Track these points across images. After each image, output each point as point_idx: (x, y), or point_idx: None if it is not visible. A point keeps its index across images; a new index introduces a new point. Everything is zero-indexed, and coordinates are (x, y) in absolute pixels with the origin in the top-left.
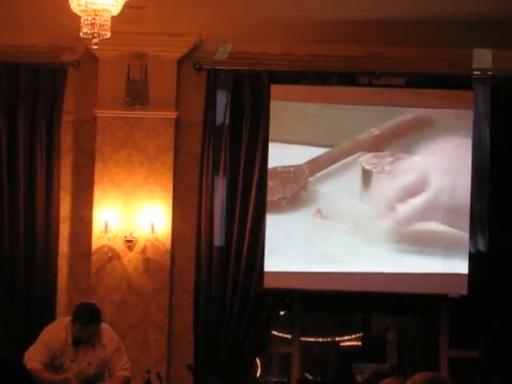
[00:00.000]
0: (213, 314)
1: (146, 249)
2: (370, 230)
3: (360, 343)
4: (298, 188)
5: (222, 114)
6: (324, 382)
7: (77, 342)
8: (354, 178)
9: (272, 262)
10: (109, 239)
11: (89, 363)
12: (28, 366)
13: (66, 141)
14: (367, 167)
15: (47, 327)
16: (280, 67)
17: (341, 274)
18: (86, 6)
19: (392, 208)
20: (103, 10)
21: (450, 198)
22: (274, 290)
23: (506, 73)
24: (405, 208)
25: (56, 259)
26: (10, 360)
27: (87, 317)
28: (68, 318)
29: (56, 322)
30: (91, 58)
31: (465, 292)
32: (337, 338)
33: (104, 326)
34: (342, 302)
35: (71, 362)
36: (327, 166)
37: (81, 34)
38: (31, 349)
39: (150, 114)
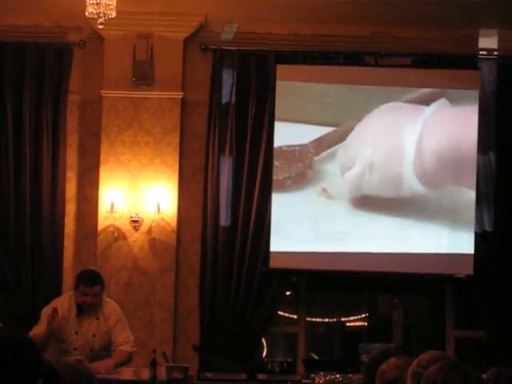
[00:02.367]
0: (219, 294)
1: (152, 229)
2: (375, 210)
3: (366, 323)
4: (304, 167)
5: (227, 94)
6: (330, 362)
7: (81, 310)
8: None
9: (278, 241)
10: (115, 219)
11: (93, 335)
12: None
13: (72, 121)
14: None
15: (49, 304)
16: (286, 47)
17: (347, 253)
18: None
19: (397, 187)
20: None
21: (456, 176)
22: (279, 270)
23: None
24: (411, 186)
25: (62, 239)
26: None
27: (90, 278)
28: (70, 293)
29: (58, 298)
30: (97, 38)
31: (471, 272)
32: (342, 318)
33: (106, 299)
34: (347, 282)
35: (76, 333)
36: (333, 145)
37: (86, 14)
38: (35, 327)
39: (155, 94)
